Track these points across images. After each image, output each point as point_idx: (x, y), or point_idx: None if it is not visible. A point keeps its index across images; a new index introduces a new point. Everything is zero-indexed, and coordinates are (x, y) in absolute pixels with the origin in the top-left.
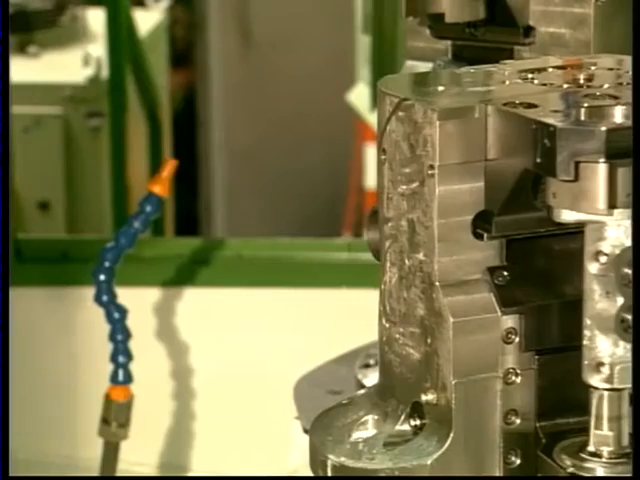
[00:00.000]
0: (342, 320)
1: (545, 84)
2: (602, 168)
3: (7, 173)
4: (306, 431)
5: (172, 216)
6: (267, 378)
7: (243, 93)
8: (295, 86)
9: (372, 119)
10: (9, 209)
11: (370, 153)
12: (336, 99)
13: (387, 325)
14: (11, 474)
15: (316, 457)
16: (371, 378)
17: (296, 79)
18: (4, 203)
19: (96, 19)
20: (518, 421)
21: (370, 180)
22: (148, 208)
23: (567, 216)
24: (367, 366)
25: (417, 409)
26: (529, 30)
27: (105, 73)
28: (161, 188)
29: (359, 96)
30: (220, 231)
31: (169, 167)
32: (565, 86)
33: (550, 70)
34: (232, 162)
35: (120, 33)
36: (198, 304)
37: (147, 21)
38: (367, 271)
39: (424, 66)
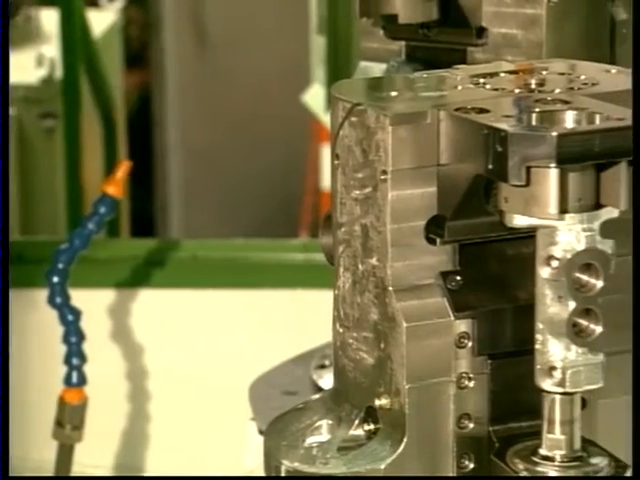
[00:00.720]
0: (298, 321)
1: (497, 89)
2: (553, 173)
3: (7, 173)
4: (261, 432)
5: (127, 217)
6: (222, 379)
7: (198, 93)
8: (251, 86)
9: (327, 120)
10: (9, 210)
11: (326, 154)
12: (292, 99)
13: (341, 330)
14: None
15: (270, 462)
16: (326, 379)
17: (252, 79)
18: (4, 203)
19: (49, 19)
20: (471, 425)
21: (326, 181)
22: (102, 209)
23: (519, 221)
24: (322, 367)
25: (371, 414)
26: (482, 31)
27: (59, 74)
28: (115, 189)
29: (314, 97)
30: (176, 232)
31: (123, 168)
32: (517, 91)
33: (502, 75)
34: (188, 162)
35: (74, 33)
36: (153, 305)
37: (101, 21)
38: (323, 272)
39: (378, 67)
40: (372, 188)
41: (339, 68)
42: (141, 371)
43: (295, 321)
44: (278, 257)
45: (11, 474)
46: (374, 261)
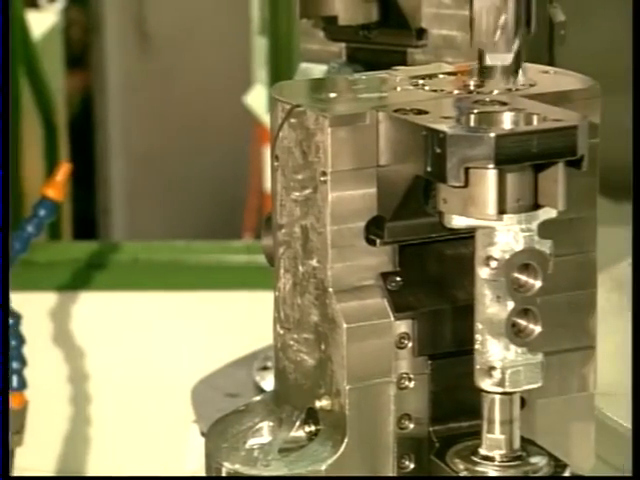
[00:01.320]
0: (241, 323)
1: (436, 90)
2: (491, 174)
3: (7, 173)
4: (204, 434)
5: (69, 219)
6: (165, 382)
7: (141, 95)
8: (194, 88)
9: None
10: (8, 212)
11: (268, 155)
12: (235, 101)
13: (281, 332)
14: None
15: (211, 464)
16: (269, 381)
17: (195, 81)
18: (4, 205)
19: None
20: (412, 426)
21: (269, 182)
22: (42, 212)
23: (458, 222)
24: (265, 369)
25: (312, 415)
26: (422, 32)
27: None
28: (55, 192)
29: (256, 98)
30: (120, 235)
31: (63, 170)
32: (455, 92)
33: (441, 76)
34: (130, 164)
35: (13, 35)
36: (94, 308)
37: (41, 23)
38: (266, 273)
39: (319, 68)
40: (312, 189)
41: (280, 69)
42: (82, 374)
43: (238, 323)
44: (220, 259)
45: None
46: (314, 262)
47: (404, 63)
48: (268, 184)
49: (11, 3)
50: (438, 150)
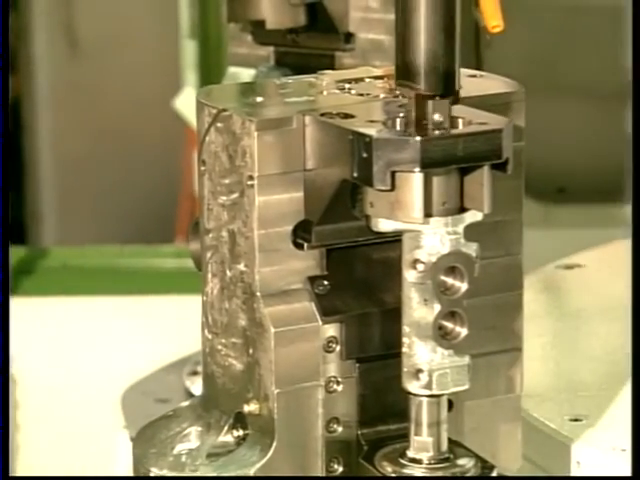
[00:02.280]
0: (171, 327)
1: (362, 94)
2: (417, 177)
3: (7, 173)
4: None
5: None
6: (95, 387)
7: (71, 100)
8: (125, 91)
9: None
10: (8, 212)
11: None
12: (167, 104)
13: (209, 336)
14: None
15: (139, 469)
16: (199, 385)
17: (126, 84)
18: (4, 207)
19: None
20: (340, 429)
21: None
22: None
23: (385, 225)
24: (195, 373)
25: (240, 420)
26: (349, 36)
27: None
28: None
29: (186, 102)
30: (49, 240)
31: None
32: (382, 96)
33: (367, 80)
34: (61, 169)
35: None
36: (23, 314)
37: None
38: (196, 278)
39: (247, 72)
40: (239, 194)
41: (210, 73)
42: (11, 380)
43: (169, 328)
44: (152, 263)
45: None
46: (242, 267)
47: (332, 67)
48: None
49: None
50: (364, 154)
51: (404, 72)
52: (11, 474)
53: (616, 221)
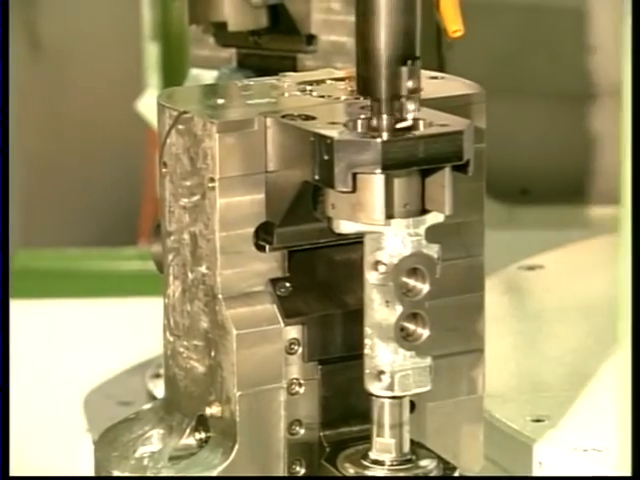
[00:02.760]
0: (135, 330)
1: (324, 96)
2: (378, 179)
3: (7, 175)
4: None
5: None
6: (57, 390)
7: (33, 103)
8: (87, 93)
9: None
10: (8, 214)
11: None
12: (130, 106)
13: (171, 339)
14: None
15: (100, 472)
16: (161, 388)
17: (88, 86)
18: (4, 207)
19: None
20: (302, 431)
21: None
22: None
23: (346, 227)
24: (158, 376)
25: (202, 422)
26: (311, 38)
27: None
28: None
29: (148, 104)
30: (13, 242)
31: None
32: (343, 98)
33: (329, 82)
34: (23, 172)
35: None
36: None
37: None
38: (158, 280)
39: (209, 74)
40: (200, 196)
41: (172, 75)
42: None
43: (132, 330)
44: (114, 266)
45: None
46: (203, 269)
47: (294, 69)
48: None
49: None
50: (326, 156)
51: (365, 85)
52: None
53: (578, 222)
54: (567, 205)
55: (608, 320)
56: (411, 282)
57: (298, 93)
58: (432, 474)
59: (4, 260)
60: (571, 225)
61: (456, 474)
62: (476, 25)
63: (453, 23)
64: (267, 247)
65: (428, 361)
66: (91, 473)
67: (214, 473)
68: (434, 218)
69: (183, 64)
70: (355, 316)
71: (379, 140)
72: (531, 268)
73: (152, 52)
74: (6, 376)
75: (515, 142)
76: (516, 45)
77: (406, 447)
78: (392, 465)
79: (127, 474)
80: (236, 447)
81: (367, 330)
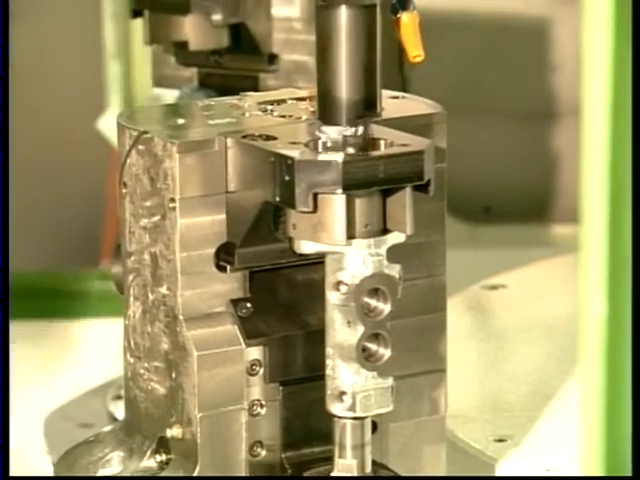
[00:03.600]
0: (94, 351)
1: (284, 116)
2: (339, 199)
3: (7, 177)
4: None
5: None
6: (17, 412)
7: None
8: (49, 112)
9: None
10: (8, 217)
11: None
12: (92, 125)
13: (132, 360)
14: None
15: None
16: (122, 410)
17: (50, 105)
18: (4, 210)
19: None
20: (264, 452)
21: None
22: None
23: (307, 247)
24: (119, 398)
25: (163, 444)
26: (273, 58)
27: None
28: None
29: (110, 123)
30: None
31: None
32: (304, 118)
33: (290, 102)
34: None
35: None
36: None
37: None
38: (120, 301)
39: (171, 94)
40: (161, 216)
41: (134, 95)
42: None
43: (92, 351)
44: (76, 286)
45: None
46: (164, 290)
47: (256, 88)
48: None
49: None
50: (287, 176)
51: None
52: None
53: (541, 241)
54: (530, 224)
55: (571, 339)
56: (373, 302)
57: (259, 113)
58: None
59: (4, 260)
60: (534, 244)
61: None
62: (437, 45)
63: (414, 48)
64: (228, 268)
65: (390, 381)
66: None
67: None
68: (395, 238)
69: (144, 84)
70: (317, 337)
71: (340, 160)
72: (494, 287)
73: (114, 71)
74: (6, 377)
75: (477, 161)
76: (477, 64)
77: (368, 468)
78: None
79: None
80: (197, 469)
81: (329, 351)
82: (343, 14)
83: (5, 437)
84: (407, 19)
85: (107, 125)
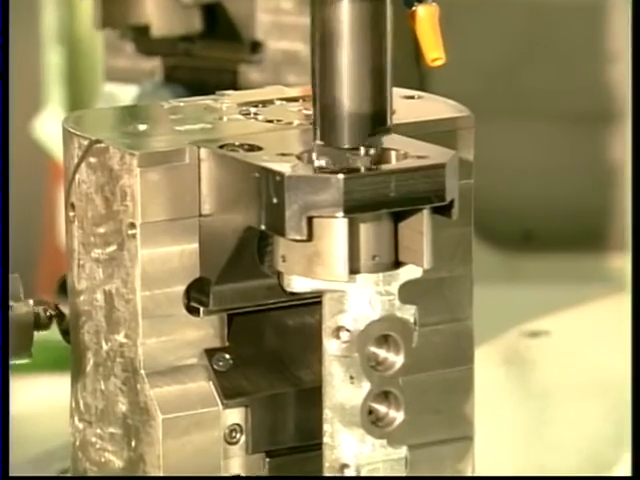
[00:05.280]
0: (32, 414)
1: (272, 121)
2: (340, 225)
3: (7, 179)
4: None
5: None
6: None
7: None
8: None
9: None
10: (8, 217)
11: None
12: (24, 129)
13: (81, 426)
14: None
15: None
16: None
17: None
18: (4, 214)
19: None
20: None
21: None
22: None
23: (300, 284)
24: (64, 472)
25: None
26: (256, 45)
27: None
28: None
29: (47, 126)
30: None
31: None
32: (296, 123)
33: (278, 103)
34: None
35: None
36: None
37: None
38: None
39: (127, 91)
40: (117, 246)
41: (79, 91)
42: None
43: (28, 415)
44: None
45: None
46: (121, 337)
47: (235, 84)
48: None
49: None
50: (274, 195)
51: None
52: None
53: (593, 275)
54: (580, 253)
55: (630, 399)
56: (381, 353)
57: (240, 117)
58: None
59: (4, 261)
60: (585, 278)
61: None
62: (464, 29)
63: (432, 49)
64: (201, 310)
65: (403, 452)
66: None
67: None
68: (410, 273)
69: (93, 77)
70: (311, 396)
71: (341, 176)
72: (535, 334)
73: (53, 62)
74: (6, 376)
75: (514, 175)
76: (514, 54)
77: None
78: None
79: None
80: None
81: (327, 413)
82: (345, 6)
83: (5, 437)
84: (424, 13)
85: (44, 128)
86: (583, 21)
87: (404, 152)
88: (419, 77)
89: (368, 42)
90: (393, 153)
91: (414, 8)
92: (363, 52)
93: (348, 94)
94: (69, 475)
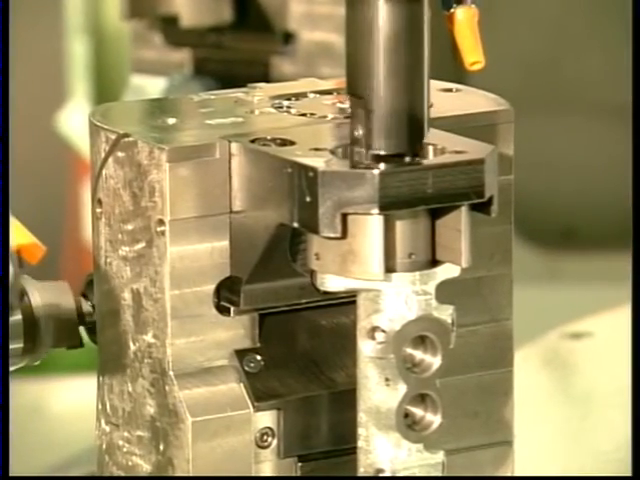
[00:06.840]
0: (57, 417)
1: (305, 114)
2: (375, 222)
3: (7, 177)
4: None
5: None
6: None
7: None
8: None
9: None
10: (8, 216)
11: (88, 197)
12: (47, 122)
13: (107, 429)
14: None
15: None
16: None
17: None
18: (4, 214)
19: None
20: None
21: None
22: None
23: (334, 283)
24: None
25: None
26: (289, 37)
27: None
28: None
29: (72, 120)
30: None
31: None
32: (330, 117)
33: (312, 96)
34: None
35: None
36: None
37: None
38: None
39: (155, 84)
40: (146, 243)
41: (106, 84)
42: None
43: (55, 417)
44: None
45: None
46: (149, 338)
47: (267, 77)
48: (89, 234)
49: None
50: (307, 191)
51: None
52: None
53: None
54: (623, 252)
55: None
56: (418, 354)
57: (272, 110)
58: None
59: (4, 262)
60: (628, 278)
61: None
62: (503, 15)
63: (471, 53)
64: (232, 309)
65: (440, 456)
66: None
67: None
68: (447, 272)
69: (120, 69)
70: (345, 399)
71: (376, 172)
72: (577, 336)
73: (78, 52)
74: (6, 376)
75: (555, 171)
76: (556, 42)
77: None
78: None
79: None
80: None
81: (361, 417)
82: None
83: (5, 437)
84: (463, 16)
85: (68, 122)
86: (626, 11)
87: (442, 147)
88: (455, 70)
89: (422, 46)
90: (430, 148)
91: (452, 10)
92: (420, 56)
93: (412, 100)
94: (71, 476)
